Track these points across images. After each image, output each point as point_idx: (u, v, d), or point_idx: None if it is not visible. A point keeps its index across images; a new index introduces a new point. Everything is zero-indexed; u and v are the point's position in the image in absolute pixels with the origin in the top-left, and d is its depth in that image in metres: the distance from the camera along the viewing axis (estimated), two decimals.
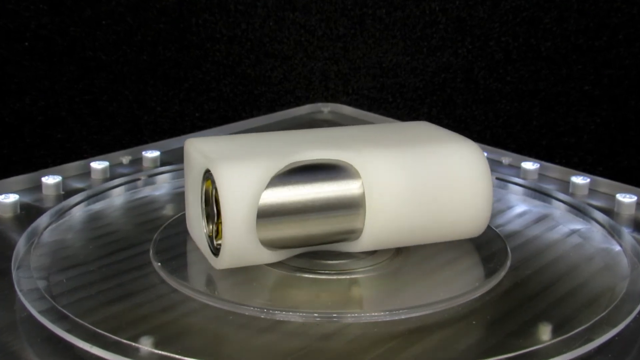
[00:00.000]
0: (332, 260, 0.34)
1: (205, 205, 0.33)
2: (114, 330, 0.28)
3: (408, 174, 0.33)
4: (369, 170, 0.33)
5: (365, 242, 0.33)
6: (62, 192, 0.42)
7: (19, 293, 0.31)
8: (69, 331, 0.28)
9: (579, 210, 0.41)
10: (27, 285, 0.31)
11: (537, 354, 0.28)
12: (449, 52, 0.70)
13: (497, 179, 0.45)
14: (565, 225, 0.40)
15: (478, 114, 0.70)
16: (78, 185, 0.43)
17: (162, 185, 0.44)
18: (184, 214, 0.38)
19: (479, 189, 0.34)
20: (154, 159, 0.46)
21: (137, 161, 0.47)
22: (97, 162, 0.45)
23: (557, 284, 0.34)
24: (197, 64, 0.70)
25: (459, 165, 0.34)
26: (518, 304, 0.32)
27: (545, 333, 0.30)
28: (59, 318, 0.29)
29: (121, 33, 0.67)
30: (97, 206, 0.41)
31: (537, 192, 0.43)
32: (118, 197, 0.42)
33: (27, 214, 0.39)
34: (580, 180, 0.44)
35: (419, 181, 0.33)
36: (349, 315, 0.30)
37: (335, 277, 0.33)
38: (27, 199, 0.41)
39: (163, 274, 0.33)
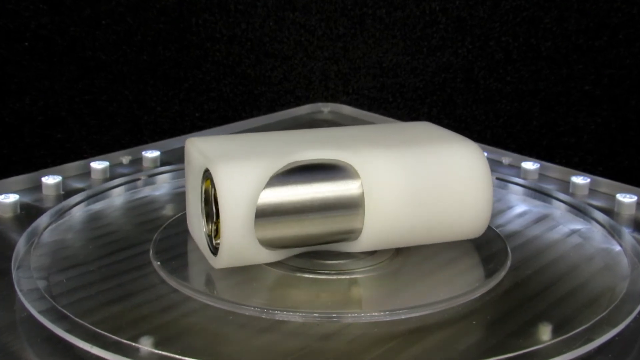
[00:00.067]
0: (332, 260, 0.34)
1: (205, 205, 0.33)
2: (114, 331, 0.28)
3: (407, 174, 0.33)
4: (368, 170, 0.33)
5: (364, 242, 0.33)
6: (62, 192, 0.42)
7: (19, 293, 0.31)
8: (69, 331, 0.28)
9: (579, 210, 0.41)
10: (27, 285, 0.31)
11: (538, 354, 0.28)
12: (449, 52, 0.70)
13: (498, 179, 0.45)
14: (565, 225, 0.40)
15: (478, 114, 0.70)
16: (78, 185, 0.43)
17: (162, 185, 0.44)
18: (184, 214, 0.38)
19: (479, 189, 0.34)
20: (154, 159, 0.46)
21: (137, 161, 0.47)
22: (97, 162, 0.45)
23: (558, 284, 0.34)
24: (197, 64, 0.70)
25: (458, 165, 0.34)
26: (518, 304, 0.32)
27: (545, 333, 0.30)
28: (59, 318, 0.29)
29: (121, 33, 0.67)
30: (97, 206, 0.41)
31: (537, 192, 0.43)
32: (118, 197, 0.42)
33: (27, 214, 0.39)
34: (580, 180, 0.44)
35: (418, 181, 0.33)
36: (349, 315, 0.30)
37: (335, 277, 0.33)
38: (27, 199, 0.41)
39: (163, 274, 0.33)
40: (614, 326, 0.29)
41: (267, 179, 0.31)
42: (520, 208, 0.42)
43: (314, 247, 0.34)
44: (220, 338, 0.29)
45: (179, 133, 0.60)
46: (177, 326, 0.29)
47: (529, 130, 0.68)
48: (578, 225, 0.40)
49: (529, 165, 0.46)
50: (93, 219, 0.39)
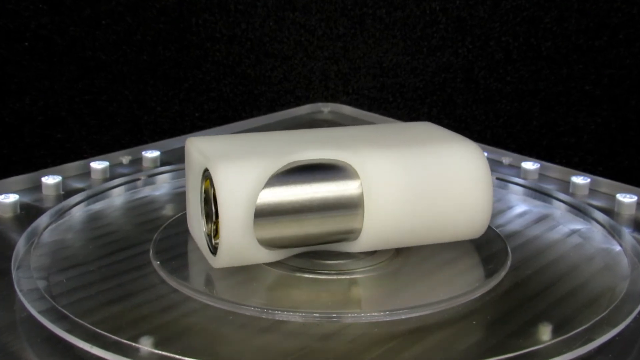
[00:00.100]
0: (332, 260, 0.34)
1: (205, 205, 0.33)
2: (114, 331, 0.28)
3: (407, 174, 0.33)
4: (367, 170, 0.33)
5: (364, 242, 0.33)
6: (62, 192, 0.42)
7: (18, 293, 0.31)
8: (68, 331, 0.28)
9: (579, 210, 0.41)
10: (27, 286, 0.31)
11: (538, 354, 0.28)
12: (449, 52, 0.70)
13: (498, 179, 0.45)
14: (565, 225, 0.40)
15: (478, 113, 0.70)
16: (78, 185, 0.43)
17: (162, 185, 0.44)
18: (184, 214, 0.38)
19: (479, 190, 0.34)
20: (153, 159, 0.46)
21: (137, 161, 0.47)
22: (97, 162, 0.45)
23: (558, 284, 0.34)
24: (197, 64, 0.70)
25: (458, 166, 0.34)
26: (518, 304, 0.32)
27: (545, 333, 0.30)
28: (59, 318, 0.29)
29: (121, 33, 0.67)
30: (97, 206, 0.41)
31: (537, 192, 0.43)
32: (118, 197, 0.42)
33: (27, 214, 0.39)
34: (580, 180, 0.44)
35: (418, 182, 0.33)
36: (349, 315, 0.30)
37: (335, 277, 0.33)
38: (27, 199, 0.41)
39: (163, 274, 0.33)
40: (614, 326, 0.29)
41: (266, 179, 0.31)
42: (520, 208, 0.42)
43: (314, 247, 0.34)
44: (220, 338, 0.29)
45: (179, 133, 0.60)
46: (177, 326, 0.29)
47: (529, 130, 0.68)
48: (578, 225, 0.40)
49: (529, 165, 0.46)
50: (93, 219, 0.39)
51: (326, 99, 0.70)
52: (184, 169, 0.38)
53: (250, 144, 0.34)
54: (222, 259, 0.32)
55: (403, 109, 0.71)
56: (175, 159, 0.47)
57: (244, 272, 0.33)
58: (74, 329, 0.28)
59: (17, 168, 0.57)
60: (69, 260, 0.35)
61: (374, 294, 0.33)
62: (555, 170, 0.46)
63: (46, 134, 0.65)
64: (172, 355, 0.27)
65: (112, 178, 0.44)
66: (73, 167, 0.44)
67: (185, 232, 0.36)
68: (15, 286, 0.31)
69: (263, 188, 0.31)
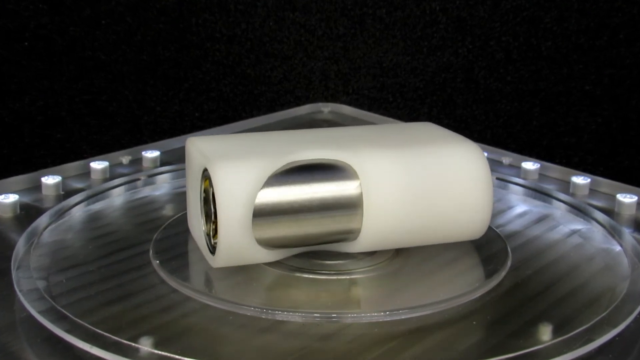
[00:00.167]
0: (332, 260, 0.34)
1: (204, 204, 0.33)
2: (114, 331, 0.28)
3: (407, 174, 0.33)
4: (366, 170, 0.33)
5: (363, 242, 0.33)
6: (62, 192, 0.42)
7: (18, 293, 0.31)
8: (68, 331, 0.28)
9: (579, 210, 0.41)
10: (26, 286, 0.31)
11: (538, 354, 0.28)
12: (449, 51, 0.70)
13: (498, 179, 0.45)
14: (565, 225, 0.40)
15: (478, 113, 0.70)
16: (78, 185, 0.43)
17: (162, 185, 0.44)
18: (184, 214, 0.38)
19: (479, 191, 0.34)
20: (153, 159, 0.46)
21: (137, 161, 0.47)
22: (97, 162, 0.45)
23: (558, 284, 0.34)
24: (197, 64, 0.70)
25: (458, 166, 0.34)
26: (518, 304, 0.32)
27: (545, 333, 0.30)
28: (59, 318, 0.29)
29: (121, 33, 0.67)
30: (97, 206, 0.41)
31: (537, 192, 0.43)
32: (118, 197, 0.42)
33: (26, 214, 0.39)
34: (580, 180, 0.44)
35: (417, 182, 0.33)
36: (349, 315, 0.30)
37: (335, 277, 0.33)
38: (26, 199, 0.41)
39: (163, 274, 0.33)
40: (615, 326, 0.29)
41: (265, 179, 0.31)
42: (520, 208, 0.42)
43: (313, 247, 0.34)
44: (220, 338, 0.29)
45: (178, 133, 0.60)
46: (176, 326, 0.29)
47: (529, 130, 0.68)
48: (578, 225, 0.40)
49: (529, 165, 0.46)
50: (93, 219, 0.39)
51: (326, 99, 0.70)
52: (184, 169, 0.38)
53: (250, 143, 0.34)
54: (221, 259, 0.32)
55: (403, 109, 0.70)
56: (175, 159, 0.47)
57: (244, 272, 0.33)
58: (73, 329, 0.28)
59: (17, 168, 0.57)
60: (68, 260, 0.35)
61: (374, 294, 0.33)
62: (556, 170, 0.46)
63: (46, 134, 0.65)
64: (171, 355, 0.27)
65: (112, 178, 0.44)
66: (73, 167, 0.44)
67: (185, 232, 0.36)
68: (15, 286, 0.31)
69: (262, 188, 0.31)
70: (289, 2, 0.70)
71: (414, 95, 0.71)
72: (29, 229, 0.36)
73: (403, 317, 0.30)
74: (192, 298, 0.31)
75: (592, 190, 0.44)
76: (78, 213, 0.40)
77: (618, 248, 0.37)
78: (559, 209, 0.42)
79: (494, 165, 0.47)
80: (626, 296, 0.32)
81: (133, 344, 0.27)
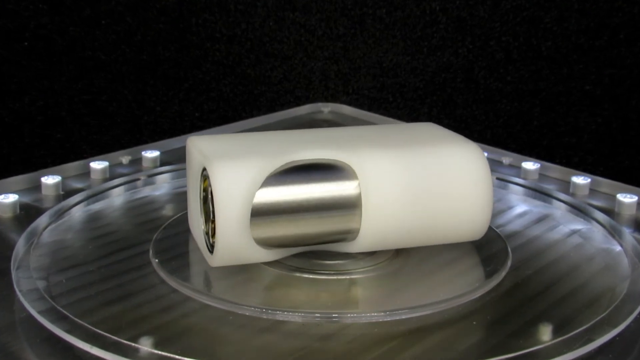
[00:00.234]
0: (332, 260, 0.34)
1: (204, 203, 0.33)
2: (114, 331, 0.28)
3: (406, 175, 0.33)
4: (365, 170, 0.33)
5: (362, 243, 0.33)
6: (62, 192, 0.42)
7: (18, 293, 0.31)
8: (68, 331, 0.28)
9: (579, 210, 0.41)
10: (26, 286, 0.31)
11: (538, 354, 0.28)
12: (450, 51, 0.70)
13: (498, 179, 0.45)
14: (565, 225, 0.40)
15: (478, 113, 0.70)
16: (77, 185, 0.43)
17: (162, 185, 0.44)
18: (184, 214, 0.38)
19: (479, 192, 0.34)
20: (153, 159, 0.46)
21: (136, 161, 0.47)
22: (97, 162, 0.45)
23: (558, 284, 0.34)
24: (196, 64, 0.70)
25: (458, 167, 0.34)
26: (518, 304, 0.32)
27: (545, 333, 0.30)
28: (59, 318, 0.29)
29: (121, 33, 0.67)
30: (97, 206, 0.41)
31: (537, 192, 0.43)
32: (118, 197, 0.42)
33: (26, 214, 0.39)
34: (580, 180, 0.44)
35: (417, 182, 0.33)
36: (348, 315, 0.30)
37: (335, 277, 0.33)
38: (26, 199, 0.41)
39: (163, 274, 0.33)
40: (615, 326, 0.29)
41: (263, 178, 0.31)
42: (520, 208, 0.42)
43: (312, 247, 0.34)
44: (220, 338, 0.29)
45: (178, 133, 0.60)
46: (176, 326, 0.29)
47: (529, 130, 0.68)
48: (578, 225, 0.40)
49: (529, 165, 0.46)
50: (93, 219, 0.39)
51: (326, 99, 0.70)
52: (183, 169, 0.38)
53: (249, 143, 0.34)
54: (219, 258, 0.32)
55: (403, 109, 0.70)
56: (175, 159, 0.47)
57: (244, 272, 0.33)
58: (73, 329, 0.28)
59: (17, 168, 0.57)
60: (68, 260, 0.35)
61: (374, 294, 0.33)
62: (556, 170, 0.46)
63: (46, 134, 0.65)
64: (171, 355, 0.27)
65: (111, 178, 0.44)
66: (73, 167, 0.44)
67: (185, 232, 0.36)
68: (15, 286, 0.31)
69: (260, 187, 0.31)
70: (289, 2, 0.70)
71: (414, 95, 0.71)
72: (29, 229, 0.36)
73: (403, 317, 0.30)
74: (192, 298, 0.31)
75: (592, 190, 0.44)
76: (78, 213, 0.40)
77: (618, 248, 0.37)
78: (559, 209, 0.42)
79: (494, 165, 0.47)
80: (626, 296, 0.32)
81: (133, 344, 0.27)
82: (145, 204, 0.42)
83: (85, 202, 0.41)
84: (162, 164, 0.46)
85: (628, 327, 0.30)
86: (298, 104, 0.64)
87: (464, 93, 0.70)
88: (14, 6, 0.64)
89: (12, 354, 0.27)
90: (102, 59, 0.67)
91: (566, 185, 0.45)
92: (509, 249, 0.36)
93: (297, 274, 0.33)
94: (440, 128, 0.38)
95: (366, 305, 0.32)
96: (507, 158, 0.48)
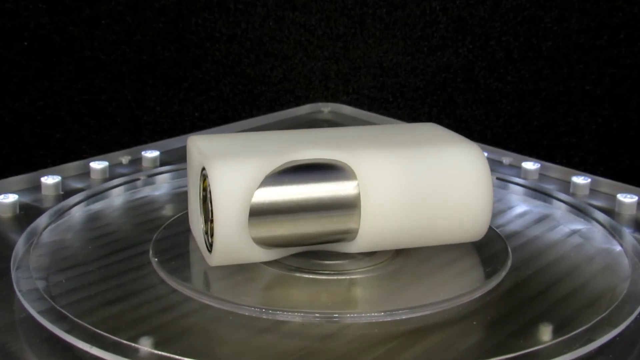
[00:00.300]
0: (332, 260, 0.34)
1: (203, 203, 0.33)
2: (114, 331, 0.28)
3: (405, 175, 0.33)
4: (364, 170, 0.33)
5: (361, 243, 0.33)
6: (62, 192, 0.41)
7: (18, 293, 0.30)
8: (68, 331, 0.28)
9: (579, 210, 0.41)
10: (26, 286, 0.31)
11: (538, 354, 0.28)
12: (450, 51, 0.70)
13: (498, 179, 0.45)
14: (566, 225, 0.40)
15: (479, 113, 0.69)
16: (77, 185, 0.43)
17: (162, 185, 0.44)
18: (184, 214, 0.38)
19: (479, 193, 0.34)
20: (153, 159, 0.46)
21: (136, 161, 0.47)
22: (97, 162, 0.44)
23: (558, 285, 0.33)
24: (196, 64, 0.70)
25: (458, 167, 0.34)
26: (519, 305, 0.32)
27: (546, 333, 0.30)
28: (58, 318, 0.29)
29: (120, 32, 0.67)
30: (97, 206, 0.41)
31: (537, 192, 0.43)
32: (117, 197, 0.42)
33: (26, 214, 0.39)
34: (581, 180, 0.44)
35: (416, 183, 0.33)
36: (348, 315, 0.30)
37: (335, 277, 0.33)
38: (26, 199, 0.40)
39: (162, 275, 0.33)
40: (615, 327, 0.29)
41: (262, 178, 0.31)
42: (520, 208, 0.42)
43: (311, 247, 0.34)
44: (220, 338, 0.29)
45: (178, 133, 0.60)
46: (176, 326, 0.29)
47: (530, 130, 0.68)
48: (579, 225, 0.40)
49: (530, 165, 0.46)
50: (92, 219, 0.39)
51: (326, 99, 0.70)
52: (183, 169, 0.38)
53: (249, 143, 0.34)
54: (217, 257, 0.32)
55: (403, 108, 0.70)
56: (174, 159, 0.47)
57: (244, 272, 0.33)
58: (73, 330, 0.28)
59: (17, 168, 0.57)
60: (68, 260, 0.35)
61: (374, 294, 0.33)
62: (556, 170, 0.46)
63: (45, 134, 0.65)
64: (171, 355, 0.27)
65: (111, 178, 0.44)
66: (72, 167, 0.44)
67: (185, 232, 0.36)
68: (15, 286, 0.31)
69: (258, 187, 0.31)
70: (289, 1, 0.70)
71: (414, 95, 0.71)
72: (29, 229, 0.36)
73: (403, 317, 0.30)
74: (191, 298, 0.31)
75: (593, 190, 0.44)
76: (78, 213, 0.40)
77: (618, 248, 0.37)
78: (559, 209, 0.42)
79: (494, 165, 0.47)
80: (626, 296, 0.32)
81: (133, 344, 0.27)
82: (145, 204, 0.42)
83: (85, 202, 0.40)
84: (162, 164, 0.46)
85: (628, 327, 0.30)
86: (298, 104, 0.64)
87: (464, 93, 0.70)
88: (13, 6, 0.64)
89: (12, 354, 0.27)
90: (102, 59, 0.67)
91: (566, 185, 0.45)
92: (509, 249, 0.36)
93: (297, 274, 0.33)
94: (441, 128, 0.38)
95: (366, 306, 0.32)
96: (507, 158, 0.48)
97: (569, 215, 0.41)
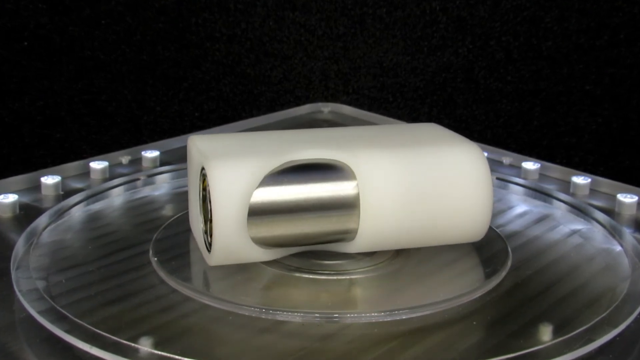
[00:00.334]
0: (332, 260, 0.34)
1: (203, 202, 0.33)
2: (114, 331, 0.28)
3: (404, 175, 0.33)
4: (364, 170, 0.33)
5: (360, 243, 0.33)
6: (62, 192, 0.41)
7: (18, 293, 0.30)
8: (68, 332, 0.28)
9: (579, 210, 0.41)
10: (26, 286, 0.31)
11: (538, 354, 0.28)
12: (450, 51, 0.70)
13: (498, 179, 0.45)
14: (566, 225, 0.40)
15: (479, 113, 0.69)
16: (77, 185, 0.43)
17: (162, 185, 0.44)
18: (184, 214, 0.38)
19: (478, 193, 0.34)
20: (153, 159, 0.46)
21: (136, 161, 0.47)
22: (97, 162, 0.44)
23: (558, 285, 0.33)
24: (196, 64, 0.70)
25: (458, 168, 0.34)
26: (519, 305, 0.32)
27: (546, 333, 0.30)
28: (58, 318, 0.29)
29: (120, 32, 0.67)
30: (97, 206, 0.41)
31: (537, 192, 0.43)
32: (117, 197, 0.42)
33: (26, 214, 0.39)
34: (581, 180, 0.44)
35: (415, 183, 0.33)
36: (348, 315, 0.30)
37: (335, 277, 0.33)
38: (26, 199, 0.40)
39: (162, 275, 0.33)
40: (615, 327, 0.29)
41: (261, 178, 0.31)
42: (520, 208, 0.42)
43: (310, 247, 0.34)
44: (220, 338, 0.29)
45: (178, 133, 0.60)
46: (176, 327, 0.29)
47: (530, 130, 0.68)
48: (579, 225, 0.40)
49: (530, 165, 0.46)
50: (92, 219, 0.39)
51: (326, 99, 0.70)
52: (183, 169, 0.38)
53: (248, 142, 0.34)
54: (216, 257, 0.32)
55: (403, 108, 0.70)
56: (174, 159, 0.47)
57: (244, 272, 0.33)
58: (73, 330, 0.28)
59: (17, 168, 0.57)
60: (68, 260, 0.34)
61: (374, 294, 0.33)
62: (556, 170, 0.46)
63: (45, 134, 0.65)
64: (171, 355, 0.27)
65: (111, 178, 0.44)
66: (72, 167, 0.44)
67: (185, 232, 0.36)
68: (15, 286, 0.31)
69: (257, 187, 0.31)
70: (288, 1, 0.70)
71: (414, 95, 0.70)
72: (29, 229, 0.36)
73: (403, 317, 0.30)
74: (191, 298, 0.31)
75: (593, 190, 0.44)
76: (77, 213, 0.40)
77: (618, 248, 0.37)
78: (559, 209, 0.42)
79: (494, 165, 0.47)
80: (627, 296, 0.32)
81: (133, 344, 0.27)
82: (145, 204, 0.42)
83: (85, 202, 0.40)
84: (162, 164, 0.46)
85: (628, 327, 0.30)
86: (298, 104, 0.64)
87: (464, 93, 0.70)
88: (13, 5, 0.64)
89: (12, 354, 0.27)
90: (102, 59, 0.67)
91: (566, 185, 0.45)
92: (509, 249, 0.36)
93: (297, 274, 0.33)
94: (441, 128, 0.38)
95: (366, 306, 0.32)
96: (507, 158, 0.48)
97: (569, 215, 0.41)
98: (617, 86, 0.67)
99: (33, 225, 0.37)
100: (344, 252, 0.34)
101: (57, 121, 0.65)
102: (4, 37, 0.64)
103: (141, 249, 0.36)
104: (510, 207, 0.42)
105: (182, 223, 0.37)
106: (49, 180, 0.41)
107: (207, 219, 0.33)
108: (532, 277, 0.34)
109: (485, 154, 0.35)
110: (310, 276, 0.33)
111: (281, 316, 0.30)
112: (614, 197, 0.42)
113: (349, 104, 0.64)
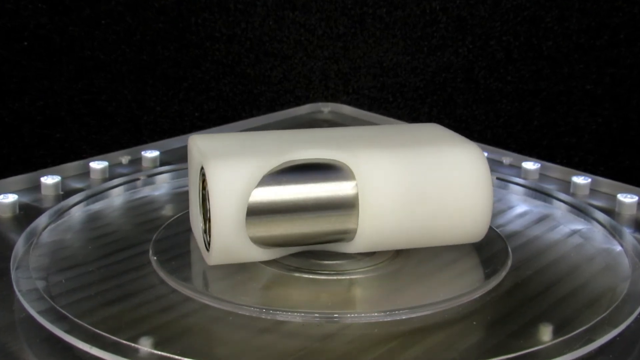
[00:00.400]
0: (332, 260, 0.34)
1: (203, 202, 0.33)
2: (113, 331, 0.28)
3: (404, 175, 0.33)
4: (363, 170, 0.32)
5: (359, 243, 0.33)
6: (61, 192, 0.41)
7: (17, 293, 0.30)
8: (68, 332, 0.28)
9: (580, 210, 0.41)
10: (26, 286, 0.31)
11: (538, 354, 0.28)
12: (450, 51, 0.70)
13: (498, 179, 0.45)
14: (566, 225, 0.40)
15: (479, 113, 0.69)
16: (77, 185, 0.43)
17: (162, 185, 0.44)
18: (184, 214, 0.38)
19: (478, 193, 0.34)
20: (153, 159, 0.46)
21: (136, 161, 0.47)
22: (97, 162, 0.44)
23: (558, 285, 0.33)
24: (196, 64, 0.70)
25: (457, 168, 0.34)
26: (519, 305, 0.32)
27: (546, 334, 0.30)
28: (58, 318, 0.29)
29: (120, 32, 0.67)
30: (97, 206, 0.41)
31: (538, 192, 0.43)
32: (117, 197, 0.42)
33: (26, 214, 0.39)
34: (581, 180, 0.44)
35: (415, 183, 0.33)
36: (348, 315, 0.30)
37: (335, 277, 0.33)
38: (26, 199, 0.40)
39: (162, 275, 0.33)
40: (615, 327, 0.29)
41: (260, 177, 0.31)
42: (520, 208, 0.42)
43: (309, 247, 0.34)
44: (220, 338, 0.29)
45: (178, 133, 0.60)
46: (176, 327, 0.29)
47: (530, 130, 0.68)
48: (579, 225, 0.40)
49: (530, 165, 0.46)
50: (92, 219, 0.39)
51: (326, 99, 0.70)
52: (183, 169, 0.38)
53: (248, 142, 0.34)
54: (215, 257, 0.32)
55: (403, 108, 0.70)
56: (174, 159, 0.47)
57: (244, 272, 0.33)
58: (73, 330, 0.28)
59: (16, 168, 0.57)
60: (68, 260, 0.34)
61: (374, 294, 0.33)
62: (556, 170, 0.46)
63: (45, 134, 0.65)
64: (171, 355, 0.27)
65: (111, 178, 0.44)
66: (72, 167, 0.44)
67: (185, 232, 0.36)
68: (14, 286, 0.31)
69: (256, 186, 0.31)
70: (288, 1, 0.70)
71: (414, 95, 0.70)
72: (28, 229, 0.36)
73: (403, 317, 0.30)
74: (191, 298, 0.31)
75: (593, 190, 0.44)
76: (77, 213, 0.40)
77: (619, 248, 0.37)
78: (559, 209, 0.42)
79: (494, 165, 0.47)
80: (627, 296, 0.32)
81: (132, 345, 0.27)
82: (145, 204, 0.42)
83: (84, 202, 0.40)
84: (162, 164, 0.46)
85: (628, 327, 0.30)
86: (298, 104, 0.64)
87: (464, 93, 0.70)
88: (13, 5, 0.64)
89: (12, 354, 0.27)
90: (102, 59, 0.67)
91: (566, 185, 0.45)
92: (509, 249, 0.36)
93: (297, 274, 0.33)
94: (442, 128, 0.38)
95: (366, 306, 0.32)
96: (507, 158, 0.48)
97: (569, 215, 0.41)
98: (617, 86, 0.67)
99: (33, 225, 0.37)
100: (343, 252, 0.34)
101: (57, 121, 0.65)
102: (4, 37, 0.64)
103: (141, 249, 0.36)
104: (510, 207, 0.42)
105: (182, 223, 0.37)
106: (49, 180, 0.41)
107: (207, 218, 0.33)
108: (532, 277, 0.34)
109: (485, 154, 0.35)
110: (310, 276, 0.33)
111: (281, 316, 0.30)
112: (614, 197, 0.42)
113: (349, 104, 0.64)
